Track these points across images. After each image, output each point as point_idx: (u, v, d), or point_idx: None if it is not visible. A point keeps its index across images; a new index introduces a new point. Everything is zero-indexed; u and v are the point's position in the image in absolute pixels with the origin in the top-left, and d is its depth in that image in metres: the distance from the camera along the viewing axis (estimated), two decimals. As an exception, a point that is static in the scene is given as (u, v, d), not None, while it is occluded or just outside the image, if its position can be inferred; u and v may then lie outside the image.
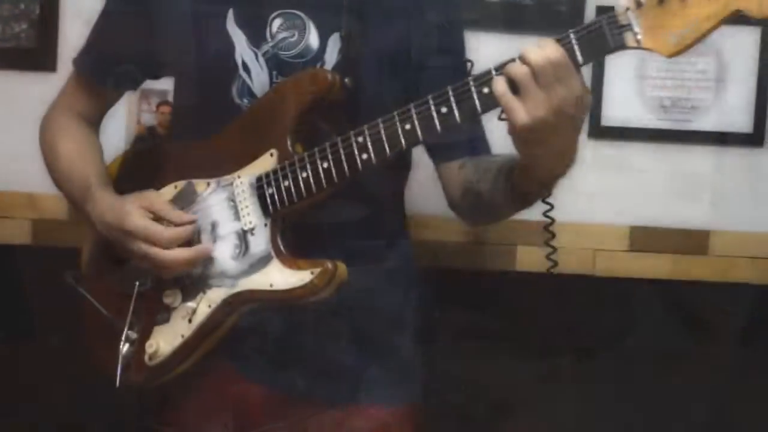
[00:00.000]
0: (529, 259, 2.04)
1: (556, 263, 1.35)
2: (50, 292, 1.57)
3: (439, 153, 1.36)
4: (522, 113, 0.98)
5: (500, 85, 1.00)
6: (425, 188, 1.57)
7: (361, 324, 1.35)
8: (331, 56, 1.28)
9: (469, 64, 1.41)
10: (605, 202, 2.09)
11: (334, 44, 1.28)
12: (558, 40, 0.99)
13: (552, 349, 2.06)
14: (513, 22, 2.16)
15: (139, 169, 1.44)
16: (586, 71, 1.23)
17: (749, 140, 2.11)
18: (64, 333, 1.72)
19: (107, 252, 1.33)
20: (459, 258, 2.08)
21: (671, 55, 0.97)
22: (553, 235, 1.30)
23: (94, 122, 1.48)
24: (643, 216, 2.13)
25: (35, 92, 1.66)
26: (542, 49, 0.97)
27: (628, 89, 2.14)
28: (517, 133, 1.01)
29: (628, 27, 0.98)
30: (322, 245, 1.29)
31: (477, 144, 1.36)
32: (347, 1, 1.27)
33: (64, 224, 1.88)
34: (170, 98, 1.72)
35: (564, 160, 1.10)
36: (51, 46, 1.96)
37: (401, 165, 1.39)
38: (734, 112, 2.12)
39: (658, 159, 2.15)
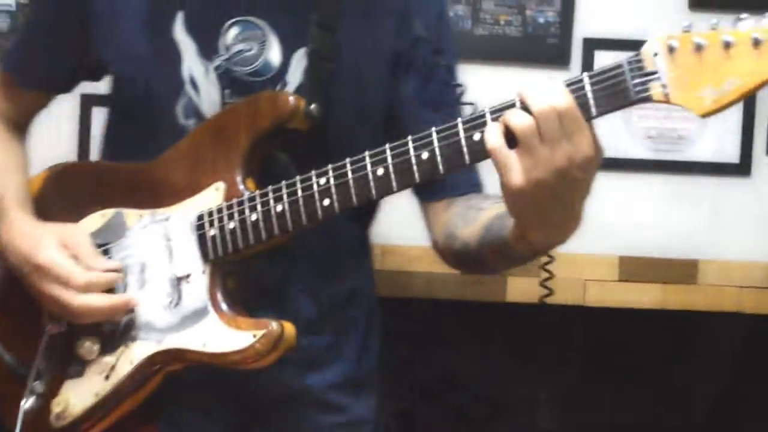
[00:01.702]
0: (521, 290, 2.05)
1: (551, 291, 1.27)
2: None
3: (420, 189, 1.13)
4: (517, 173, 0.78)
5: (494, 136, 0.80)
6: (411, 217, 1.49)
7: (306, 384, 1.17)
8: (295, 76, 1.09)
9: (459, 90, 1.21)
10: (594, 232, 2.10)
11: (298, 62, 1.09)
12: (569, 85, 0.80)
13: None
14: (501, 53, 2.20)
15: (63, 188, 1.20)
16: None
17: (736, 170, 2.13)
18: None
19: (14, 283, 1.10)
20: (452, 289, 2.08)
21: (705, 115, 0.77)
22: (551, 275, 1.21)
23: (20, 126, 1.27)
24: (632, 246, 2.13)
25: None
26: (548, 96, 0.78)
27: (615, 120, 2.15)
28: (509, 195, 0.82)
29: (655, 76, 0.78)
30: (264, 297, 1.10)
31: (467, 181, 1.14)
32: (317, 13, 1.07)
33: None
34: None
35: (564, 230, 0.88)
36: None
37: (367, 208, 1.18)
38: (721, 142, 2.14)
39: (646, 189, 2.16)
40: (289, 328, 0.98)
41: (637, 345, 2.12)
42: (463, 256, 1.09)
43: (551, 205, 0.82)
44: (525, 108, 0.79)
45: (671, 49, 0.77)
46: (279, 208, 0.98)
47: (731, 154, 2.14)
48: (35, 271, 1.03)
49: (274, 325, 0.97)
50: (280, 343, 0.97)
